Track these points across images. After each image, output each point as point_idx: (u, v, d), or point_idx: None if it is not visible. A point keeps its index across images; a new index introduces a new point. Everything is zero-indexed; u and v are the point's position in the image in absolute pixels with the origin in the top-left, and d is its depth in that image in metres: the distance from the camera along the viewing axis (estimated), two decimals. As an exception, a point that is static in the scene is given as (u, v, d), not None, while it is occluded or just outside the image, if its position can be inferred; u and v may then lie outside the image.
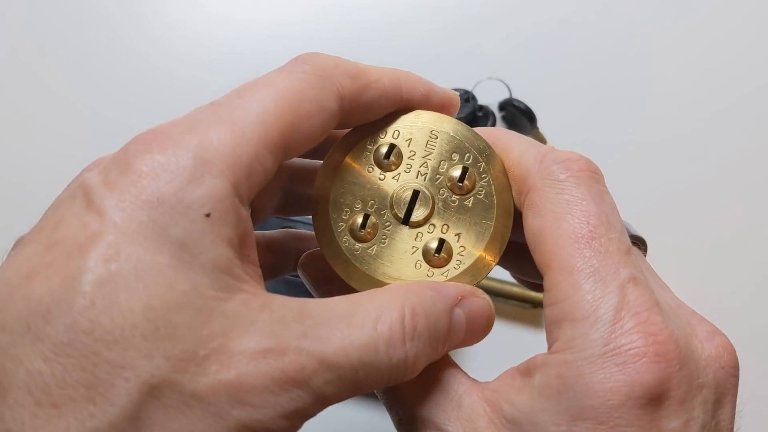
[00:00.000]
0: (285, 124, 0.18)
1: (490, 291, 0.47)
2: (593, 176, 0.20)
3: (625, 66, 0.52)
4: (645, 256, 0.22)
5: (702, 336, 0.19)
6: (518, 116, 0.50)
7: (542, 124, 0.50)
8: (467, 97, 0.48)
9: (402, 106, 0.22)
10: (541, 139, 0.50)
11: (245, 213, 0.18)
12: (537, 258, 0.20)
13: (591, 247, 0.19)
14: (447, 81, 0.49)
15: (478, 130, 0.23)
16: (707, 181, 0.50)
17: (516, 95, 0.50)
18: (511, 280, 0.48)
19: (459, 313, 0.20)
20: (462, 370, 0.21)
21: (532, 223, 0.20)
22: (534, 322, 0.49)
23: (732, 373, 0.19)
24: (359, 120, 0.21)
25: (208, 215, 0.16)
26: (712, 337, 0.19)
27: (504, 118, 0.52)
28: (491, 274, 0.48)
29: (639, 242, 0.22)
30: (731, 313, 0.47)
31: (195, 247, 0.16)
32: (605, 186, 0.21)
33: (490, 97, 0.50)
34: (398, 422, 0.20)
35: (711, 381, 0.19)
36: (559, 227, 0.19)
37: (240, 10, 0.53)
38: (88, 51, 0.52)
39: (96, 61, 0.52)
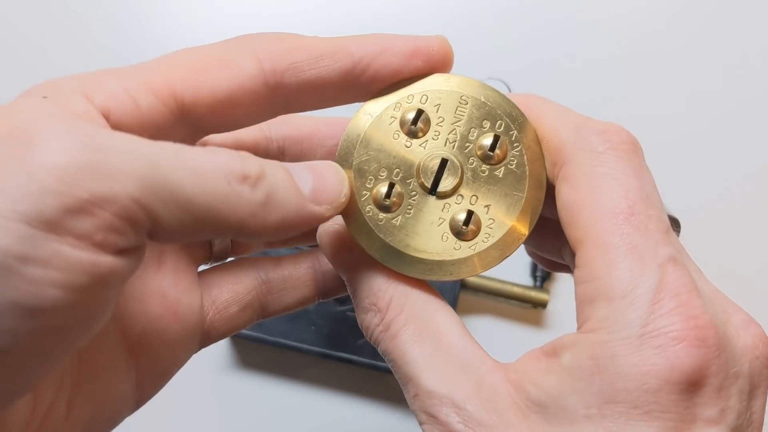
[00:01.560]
0: (174, 74, 0.19)
1: (490, 291, 0.47)
2: (634, 149, 0.19)
3: (625, 66, 0.52)
4: (678, 237, 0.22)
5: (738, 324, 0.19)
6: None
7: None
8: (467, 96, 0.48)
9: (360, 67, 0.20)
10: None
11: (101, 121, 0.18)
12: (570, 233, 0.19)
13: (629, 223, 0.18)
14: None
15: (510, 95, 0.22)
16: (713, 171, 0.50)
17: (516, 95, 0.50)
18: (512, 280, 0.48)
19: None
20: (484, 351, 0.20)
21: (566, 195, 0.19)
22: (534, 322, 0.49)
23: (765, 365, 0.19)
24: (311, 84, 0.20)
25: (45, 97, 0.17)
26: (747, 326, 0.19)
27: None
28: (492, 275, 0.49)
29: (673, 223, 0.21)
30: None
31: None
32: (644, 161, 0.20)
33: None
34: (413, 398, 0.20)
35: (746, 371, 0.18)
36: (596, 201, 0.18)
37: (240, 8, 0.53)
38: (88, 51, 0.52)
39: (96, 61, 0.52)
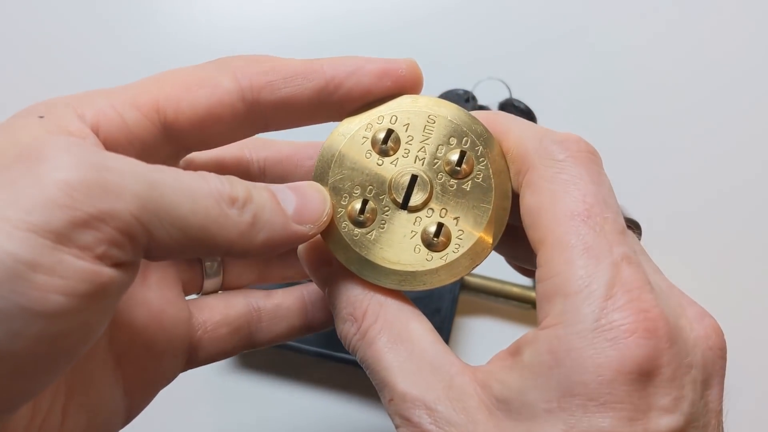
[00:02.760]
0: (158, 92, 0.20)
1: (490, 291, 0.47)
2: (591, 157, 0.20)
3: (625, 66, 0.52)
4: (639, 239, 0.22)
5: (691, 317, 0.19)
6: (518, 116, 0.50)
7: (542, 124, 0.50)
8: (467, 97, 0.48)
9: (333, 86, 0.22)
10: (542, 139, 0.50)
11: (93, 138, 0.19)
12: (531, 235, 0.20)
13: (586, 224, 0.19)
14: (447, 81, 0.49)
15: (476, 113, 0.23)
16: (706, 180, 0.50)
17: (516, 95, 0.50)
18: (512, 280, 0.48)
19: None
20: (455, 355, 0.21)
21: (529, 200, 0.20)
22: (534, 322, 0.49)
23: (720, 355, 0.19)
24: (286, 102, 0.21)
25: (41, 117, 0.18)
26: (701, 319, 0.19)
27: (504, 118, 0.52)
28: (492, 275, 0.49)
29: (634, 226, 0.22)
30: (724, 300, 0.47)
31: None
32: (602, 168, 0.21)
33: (490, 97, 0.50)
34: (389, 402, 0.20)
35: (699, 361, 0.19)
36: (555, 204, 0.19)
37: (239, 11, 0.53)
38: (89, 50, 0.52)
39: (97, 61, 0.52)
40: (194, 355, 0.25)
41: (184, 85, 0.21)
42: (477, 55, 0.52)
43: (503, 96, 0.50)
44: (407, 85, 0.22)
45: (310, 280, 0.25)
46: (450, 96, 0.48)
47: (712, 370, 0.19)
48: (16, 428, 0.19)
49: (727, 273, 0.48)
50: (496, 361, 0.20)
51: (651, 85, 0.52)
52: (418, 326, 0.21)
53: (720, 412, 0.19)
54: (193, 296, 0.26)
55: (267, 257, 0.20)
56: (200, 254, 0.19)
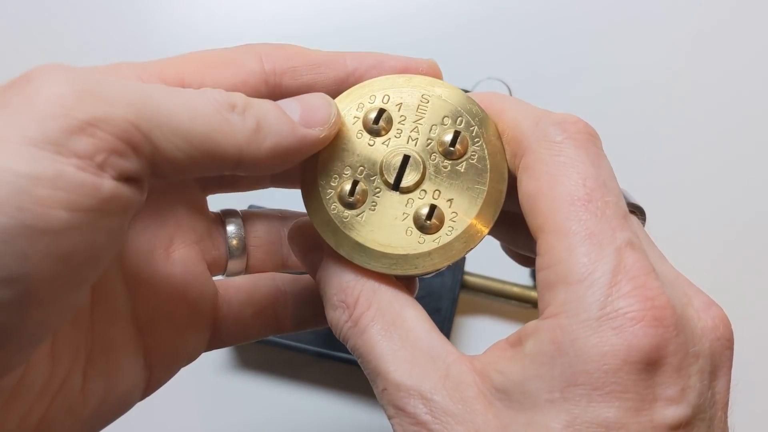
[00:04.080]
0: (185, 66, 0.20)
1: (490, 291, 0.47)
2: (591, 139, 0.20)
3: (625, 66, 0.52)
4: (644, 225, 0.22)
5: (698, 306, 0.19)
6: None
7: (542, 124, 0.50)
8: (467, 97, 0.48)
9: (354, 78, 0.22)
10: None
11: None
12: (530, 221, 0.19)
13: (587, 209, 0.18)
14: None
15: (471, 94, 0.22)
16: (707, 177, 0.50)
17: (516, 95, 0.50)
18: (512, 280, 0.48)
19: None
20: (451, 344, 0.20)
21: (527, 185, 0.20)
22: (534, 322, 0.49)
23: (727, 346, 0.19)
24: (306, 89, 0.21)
25: None
26: (708, 308, 0.19)
27: (504, 118, 0.52)
28: (492, 275, 0.49)
29: (638, 211, 0.22)
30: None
31: None
32: (602, 149, 0.20)
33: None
34: (382, 392, 0.20)
35: (707, 351, 0.18)
36: (554, 189, 0.19)
37: (241, 9, 0.53)
38: (90, 49, 0.52)
39: (97, 60, 0.52)
40: (218, 335, 0.25)
41: (210, 63, 0.21)
42: (477, 54, 0.52)
43: (503, 96, 0.50)
44: None
45: None
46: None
47: (719, 361, 0.18)
48: (34, 383, 0.18)
49: (728, 265, 0.48)
50: (494, 351, 0.19)
51: (651, 84, 0.52)
52: (412, 313, 0.21)
53: (726, 404, 0.19)
54: (219, 277, 0.26)
55: (281, 169, 0.20)
56: (211, 168, 0.18)
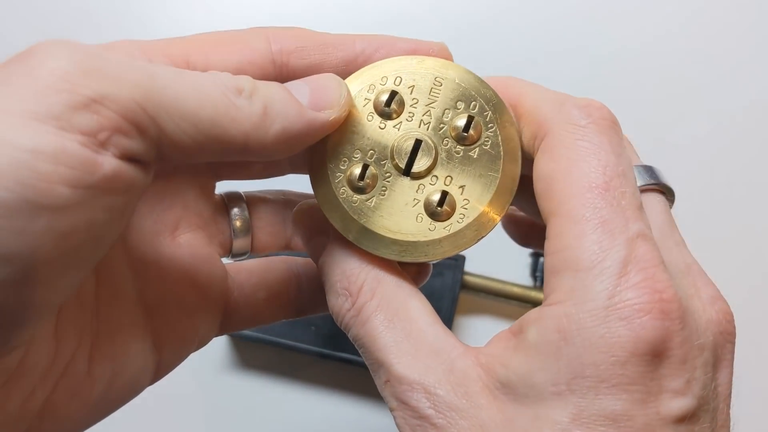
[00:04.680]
0: (189, 46, 0.20)
1: (490, 291, 0.47)
2: (613, 126, 0.20)
3: (625, 66, 0.52)
4: (671, 206, 0.22)
5: (705, 299, 0.19)
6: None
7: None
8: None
9: (361, 60, 0.21)
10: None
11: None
12: (543, 204, 0.19)
13: (604, 197, 0.18)
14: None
15: (487, 78, 0.22)
16: (710, 176, 0.50)
17: (516, 95, 0.50)
18: (512, 280, 0.48)
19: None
20: (455, 337, 0.20)
21: (544, 167, 0.19)
22: (534, 322, 0.49)
23: (729, 339, 0.19)
24: (314, 70, 0.21)
25: None
26: (714, 302, 0.19)
27: (504, 118, 0.51)
28: (492, 275, 0.48)
29: (667, 192, 0.21)
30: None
31: None
32: (623, 139, 0.20)
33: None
34: (384, 384, 0.20)
35: (710, 344, 0.18)
36: (572, 174, 0.18)
37: (240, 7, 0.53)
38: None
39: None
40: (230, 318, 0.24)
41: (217, 42, 0.20)
42: (477, 54, 0.52)
43: (503, 96, 0.50)
44: None
45: None
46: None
47: (722, 354, 0.18)
48: (35, 365, 0.18)
49: (736, 263, 0.49)
50: (498, 342, 0.19)
51: (652, 84, 0.52)
52: (417, 304, 0.20)
53: (728, 397, 0.19)
54: (228, 261, 0.26)
55: (290, 154, 0.19)
56: (217, 153, 0.18)
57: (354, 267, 0.21)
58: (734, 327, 0.19)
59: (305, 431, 0.47)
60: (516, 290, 0.47)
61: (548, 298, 0.18)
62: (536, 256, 0.49)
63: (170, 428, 0.47)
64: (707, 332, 0.18)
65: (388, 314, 0.20)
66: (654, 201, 0.20)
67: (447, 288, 0.46)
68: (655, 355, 0.17)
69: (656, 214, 0.20)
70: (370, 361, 0.20)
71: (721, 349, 0.18)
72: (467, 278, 0.47)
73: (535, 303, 0.47)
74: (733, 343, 0.19)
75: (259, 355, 0.47)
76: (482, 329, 0.48)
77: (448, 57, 0.22)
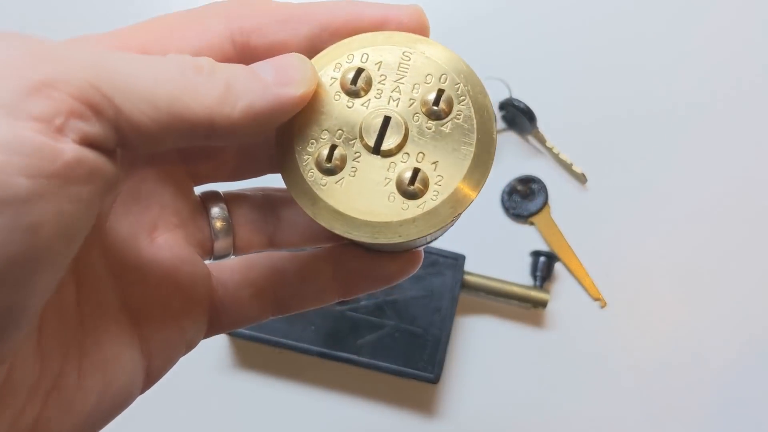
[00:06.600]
0: (146, 36, 0.19)
1: (490, 291, 0.47)
2: None
3: (625, 66, 0.52)
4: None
5: None
6: (518, 116, 0.50)
7: (542, 124, 0.50)
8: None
9: (327, 34, 0.20)
10: (541, 139, 0.50)
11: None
12: None
13: None
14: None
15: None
16: (713, 176, 0.50)
17: (516, 95, 0.50)
18: (512, 280, 0.48)
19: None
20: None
21: None
22: (534, 322, 0.49)
23: None
24: (277, 49, 0.20)
25: None
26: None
27: (504, 118, 0.52)
28: (492, 275, 0.49)
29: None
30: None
31: None
32: None
33: (490, 97, 0.50)
34: None
35: None
36: None
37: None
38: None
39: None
40: (217, 319, 0.24)
41: (173, 27, 0.20)
42: (477, 54, 0.52)
43: (503, 96, 0.50)
44: None
45: (331, 245, 0.24)
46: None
47: None
48: (21, 383, 0.17)
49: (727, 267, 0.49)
50: None
51: (651, 83, 0.52)
52: None
53: None
54: (209, 262, 0.26)
55: (259, 135, 0.19)
56: (183, 136, 0.17)
57: None
58: None
59: (305, 431, 0.47)
60: (516, 290, 0.47)
61: None
62: (536, 255, 0.49)
63: (170, 428, 0.47)
64: None
65: None
66: None
67: (447, 288, 0.46)
68: None
69: None
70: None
71: None
72: (467, 278, 0.47)
73: (535, 302, 0.47)
74: None
75: (259, 355, 0.47)
76: (482, 329, 0.48)
77: (422, 21, 0.21)
